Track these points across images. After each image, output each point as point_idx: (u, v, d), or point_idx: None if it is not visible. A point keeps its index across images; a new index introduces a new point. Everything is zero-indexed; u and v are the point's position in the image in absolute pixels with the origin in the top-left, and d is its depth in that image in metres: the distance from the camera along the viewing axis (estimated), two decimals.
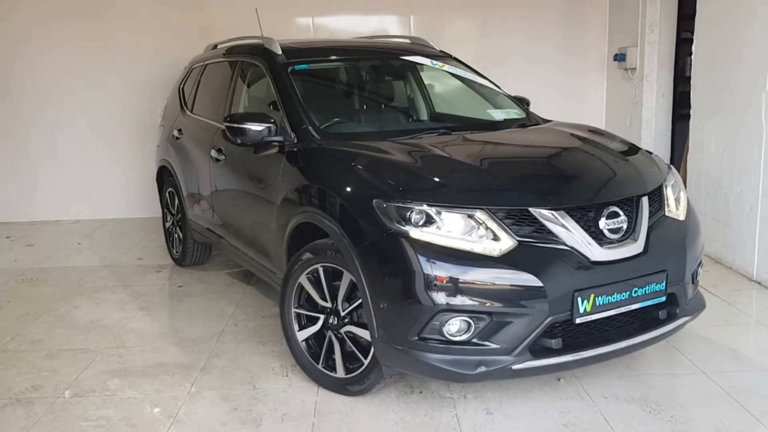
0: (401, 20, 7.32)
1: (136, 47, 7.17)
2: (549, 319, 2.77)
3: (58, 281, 5.30)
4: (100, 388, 3.47)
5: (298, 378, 3.50)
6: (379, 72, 4.62)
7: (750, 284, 4.75)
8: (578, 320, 2.82)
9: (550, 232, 2.83)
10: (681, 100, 6.77)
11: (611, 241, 2.91)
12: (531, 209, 2.84)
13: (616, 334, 3.00)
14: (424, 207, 2.84)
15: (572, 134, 3.75)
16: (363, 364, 3.16)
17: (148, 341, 4.07)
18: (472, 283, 2.74)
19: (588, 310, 2.83)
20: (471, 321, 2.75)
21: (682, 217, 3.26)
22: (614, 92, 7.31)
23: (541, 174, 3.16)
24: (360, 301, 3.08)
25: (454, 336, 2.78)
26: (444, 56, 4.59)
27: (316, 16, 7.31)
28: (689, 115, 7.57)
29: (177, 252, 5.55)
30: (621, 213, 2.97)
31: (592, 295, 2.82)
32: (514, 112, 4.19)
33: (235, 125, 3.69)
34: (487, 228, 2.79)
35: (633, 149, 3.61)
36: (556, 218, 2.83)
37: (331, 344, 3.31)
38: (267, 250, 3.87)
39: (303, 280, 3.36)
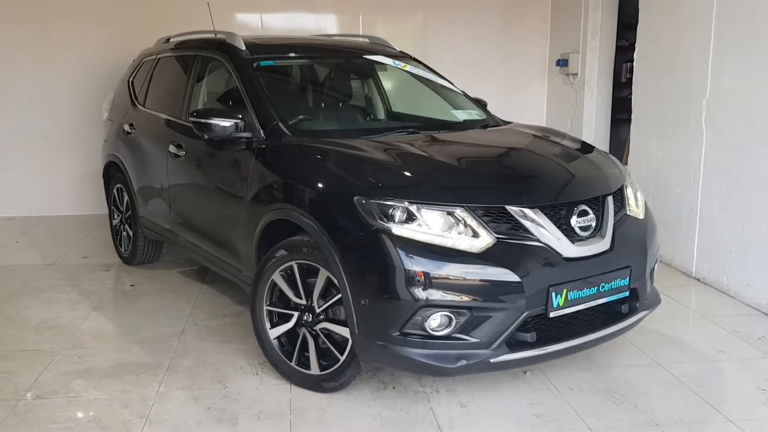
0: (351, 20, 7.34)
1: (76, 38, 6.94)
2: (525, 313, 2.87)
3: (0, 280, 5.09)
4: (63, 390, 3.37)
5: (269, 376, 3.49)
6: (343, 71, 4.65)
7: (689, 280, 5.02)
8: (552, 314, 2.94)
9: (525, 230, 2.93)
10: (615, 106, 7.10)
11: (581, 239, 3.04)
12: (508, 207, 2.94)
13: (583, 327, 3.13)
14: (405, 204, 2.89)
15: (535, 135, 3.88)
16: (339, 360, 3.18)
17: (106, 341, 3.97)
18: (454, 279, 2.81)
19: (561, 304, 2.94)
20: (452, 316, 2.82)
21: (641, 216, 3.44)
22: (555, 96, 7.56)
23: (515, 173, 3.27)
24: (336, 297, 3.11)
25: (436, 331, 2.84)
26: (404, 56, 4.66)
27: (265, 13, 7.25)
28: (623, 120, 7.95)
29: (126, 250, 5.41)
30: (590, 211, 3.10)
31: (565, 290, 2.94)
32: (476, 113, 4.30)
33: (202, 120, 3.65)
34: (466, 225, 2.87)
35: (592, 150, 3.77)
36: (532, 216, 2.94)
37: (304, 341, 3.32)
38: (233, 248, 3.84)
39: (276, 277, 3.36)
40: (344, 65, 4.62)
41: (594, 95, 6.82)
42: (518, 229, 2.93)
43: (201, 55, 4.48)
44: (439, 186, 3.04)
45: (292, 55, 4.45)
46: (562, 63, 7.08)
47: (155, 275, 5.19)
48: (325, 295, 3.22)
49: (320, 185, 3.18)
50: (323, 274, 3.16)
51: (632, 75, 8.08)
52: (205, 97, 4.41)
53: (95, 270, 5.34)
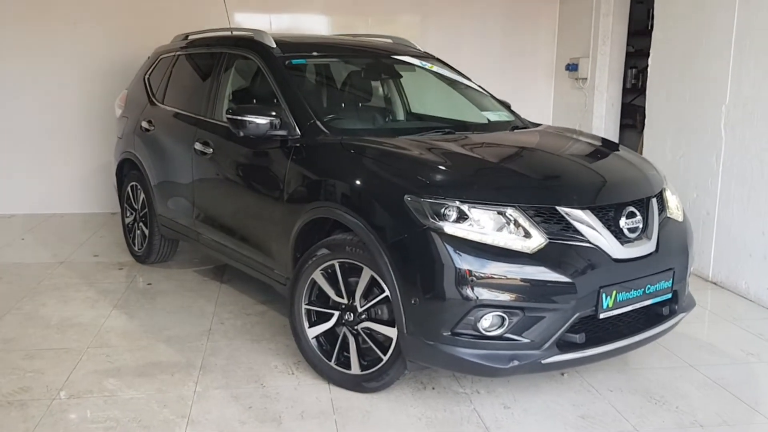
0: (361, 21, 7.33)
1: (83, 35, 6.85)
2: (577, 314, 2.87)
3: (12, 278, 4.99)
4: (97, 389, 3.31)
5: (305, 375, 3.46)
6: (373, 70, 4.62)
7: (706, 284, 5.06)
8: (602, 315, 2.94)
9: (576, 231, 2.93)
10: (622, 110, 7.16)
11: (629, 240, 3.05)
12: (558, 208, 2.93)
13: (627, 329, 3.14)
14: (457, 203, 2.88)
15: (573, 138, 3.90)
16: (381, 360, 3.16)
17: (133, 340, 3.91)
18: (507, 279, 2.80)
19: (610, 305, 2.95)
20: (505, 316, 2.81)
21: (680, 219, 3.46)
22: (562, 100, 7.60)
23: (564, 174, 3.27)
24: (381, 296, 3.09)
25: (488, 331, 2.83)
26: (429, 57, 4.65)
27: (274, 13, 7.20)
28: (629, 125, 8.03)
29: (140, 249, 5.34)
30: (637, 213, 3.11)
31: (614, 292, 2.95)
32: (504, 115, 4.30)
33: (238, 118, 3.61)
34: (518, 225, 2.86)
35: (631, 154, 3.78)
36: (582, 217, 2.94)
37: (344, 341, 3.29)
38: (265, 246, 3.81)
39: (317, 276, 3.33)
40: (373, 65, 4.59)
41: (604, 99, 6.87)
42: (568, 229, 2.93)
43: (228, 52, 4.43)
44: (490, 185, 3.03)
45: (324, 54, 4.42)
46: (572, 67, 7.12)
47: (171, 274, 5.13)
48: (367, 295, 3.20)
49: (367, 184, 3.15)
50: (367, 273, 3.14)
51: (637, 81, 8.23)
52: (232, 94, 4.37)
53: (109, 268, 5.27)
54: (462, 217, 2.87)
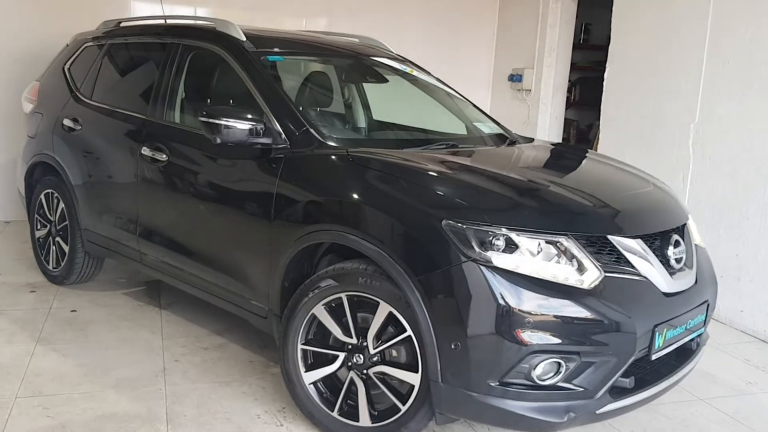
0: (294, 23, 6.79)
1: None
2: (633, 356, 2.55)
3: None
4: None
5: (297, 427, 2.96)
6: (356, 73, 4.14)
7: None
8: (654, 356, 2.64)
9: (627, 262, 2.61)
10: None
11: (675, 271, 2.78)
12: (611, 237, 2.61)
13: (665, 368, 2.87)
14: (504, 230, 2.49)
15: (588, 156, 3.62)
16: (399, 410, 2.71)
17: (73, 385, 3.23)
18: (564, 320, 2.44)
19: (661, 345, 2.66)
20: (561, 362, 2.45)
21: (703, 245, 3.24)
22: (501, 112, 7.38)
23: (611, 199, 2.92)
24: (402, 336, 2.65)
25: (542, 379, 2.46)
26: (405, 60, 4.25)
27: (200, 7, 6.51)
28: (563, 139, 7.97)
29: (56, 268, 4.56)
30: (682, 241, 2.85)
31: (665, 330, 2.67)
32: (495, 126, 3.96)
33: (214, 121, 3.04)
34: (572, 257, 2.51)
35: (650, 175, 3.51)
36: (635, 247, 2.63)
37: (350, 387, 2.82)
38: (240, 273, 3.25)
39: (319, 311, 2.83)
40: (355, 67, 4.12)
41: (548, 112, 6.73)
42: (620, 261, 2.61)
43: (181, 44, 3.81)
44: (537, 210, 2.66)
45: (300, 52, 3.89)
46: (516, 78, 6.93)
47: (96, 298, 4.40)
48: (380, 334, 2.74)
49: (391, 205, 2.68)
50: (384, 309, 2.68)
51: (569, 94, 8.20)
52: (191, 93, 3.77)
53: (18, 291, 4.46)
54: (510, 246, 2.48)
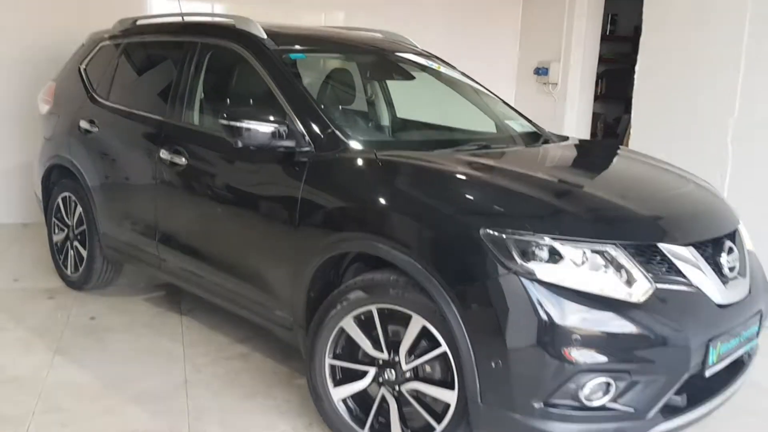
0: (312, 17, 6.63)
1: None
2: (687, 373, 2.38)
3: None
4: None
5: None
6: (383, 70, 3.97)
7: None
8: (707, 372, 2.46)
9: (679, 272, 2.44)
10: None
11: (728, 281, 2.60)
12: (660, 245, 2.43)
13: (716, 383, 2.69)
14: (547, 239, 2.32)
15: (629, 155, 3.44)
16: (433, 429, 2.56)
17: (92, 399, 3.11)
18: (614, 335, 2.28)
19: (715, 360, 2.48)
20: (611, 381, 2.29)
21: (753, 249, 3.05)
22: (525, 105, 7.16)
23: (660, 203, 2.75)
24: (437, 352, 2.49)
25: (590, 400, 2.30)
26: (431, 56, 4.07)
27: (216, 3, 6.38)
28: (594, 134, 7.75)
29: (74, 272, 4.46)
30: (735, 248, 2.66)
31: (719, 343, 2.49)
32: (527, 124, 3.78)
33: (235, 124, 2.90)
34: (620, 267, 2.34)
35: (693, 174, 3.32)
36: (687, 256, 2.45)
37: (381, 404, 2.67)
38: (264, 282, 3.11)
39: (347, 324, 2.68)
40: (380, 64, 3.95)
41: (575, 107, 6.52)
42: (671, 271, 2.43)
43: (200, 42, 3.67)
44: (582, 217, 2.48)
45: (322, 49, 3.73)
46: (542, 71, 6.72)
47: (115, 304, 4.29)
48: (413, 348, 2.59)
49: (424, 212, 2.52)
50: (417, 323, 2.53)
51: (596, 87, 7.97)
52: (210, 94, 3.63)
53: (36, 298, 4.35)
54: (554, 257, 2.31)
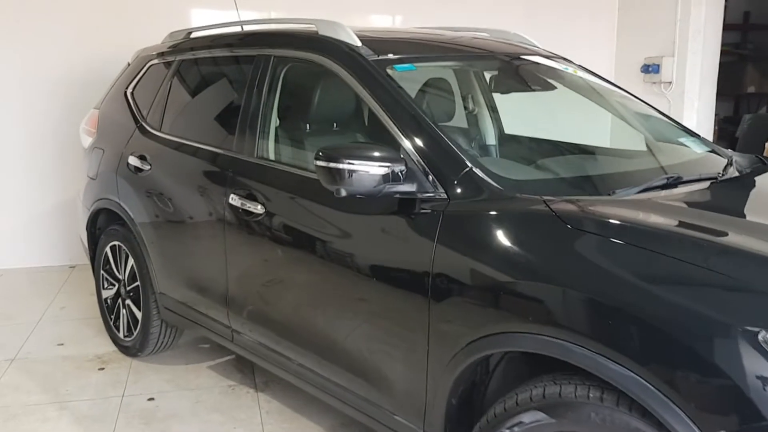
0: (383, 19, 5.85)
1: (29, 32, 5.13)
2: None
3: None
4: None
5: None
6: (512, 80, 3.13)
7: None
8: None
9: None
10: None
11: None
12: None
13: None
14: None
15: None
16: None
17: None
18: None
19: None
20: None
21: None
22: None
23: None
24: None
25: None
26: (559, 58, 3.22)
27: (274, 10, 5.63)
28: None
29: (127, 336, 3.73)
30: None
31: None
32: (703, 144, 2.86)
33: (335, 166, 2.09)
34: None
35: None
36: None
37: None
38: (379, 376, 2.30)
39: None
40: (509, 72, 3.09)
41: (695, 108, 5.57)
42: None
43: (273, 56, 2.88)
44: None
45: (432, 56, 2.89)
46: (653, 69, 5.77)
47: (177, 376, 3.54)
48: None
49: (659, 302, 1.65)
50: None
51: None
52: (290, 121, 2.84)
53: (84, 368, 3.64)
54: None
